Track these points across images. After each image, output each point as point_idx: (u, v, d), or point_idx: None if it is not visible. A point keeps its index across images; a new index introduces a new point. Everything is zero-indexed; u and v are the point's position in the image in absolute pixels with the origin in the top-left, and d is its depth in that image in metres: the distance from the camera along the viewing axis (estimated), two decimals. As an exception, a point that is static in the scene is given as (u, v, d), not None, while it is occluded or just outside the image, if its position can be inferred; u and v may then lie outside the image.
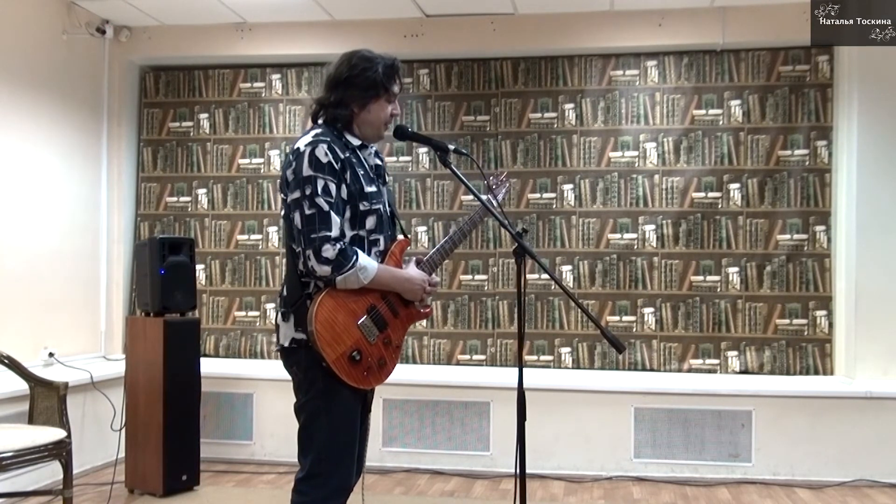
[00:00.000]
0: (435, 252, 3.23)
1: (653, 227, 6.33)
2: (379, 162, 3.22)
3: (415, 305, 3.17)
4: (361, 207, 3.00)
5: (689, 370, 6.26)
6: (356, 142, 3.11)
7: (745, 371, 6.22)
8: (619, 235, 6.36)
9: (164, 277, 5.48)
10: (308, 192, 2.91)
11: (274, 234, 6.76)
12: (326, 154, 2.94)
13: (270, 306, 6.74)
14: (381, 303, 3.05)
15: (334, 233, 2.90)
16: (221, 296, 6.85)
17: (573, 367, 6.38)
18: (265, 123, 6.81)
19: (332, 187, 2.93)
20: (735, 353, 6.23)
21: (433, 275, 3.22)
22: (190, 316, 5.64)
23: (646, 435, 5.90)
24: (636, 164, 6.37)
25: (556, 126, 6.47)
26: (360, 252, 2.96)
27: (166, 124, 6.94)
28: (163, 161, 6.94)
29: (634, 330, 6.33)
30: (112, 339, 6.65)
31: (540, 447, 5.93)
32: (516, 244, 2.99)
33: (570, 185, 6.42)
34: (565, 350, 6.40)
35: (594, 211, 6.40)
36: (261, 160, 6.82)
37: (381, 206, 3.08)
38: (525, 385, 3.01)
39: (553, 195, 6.45)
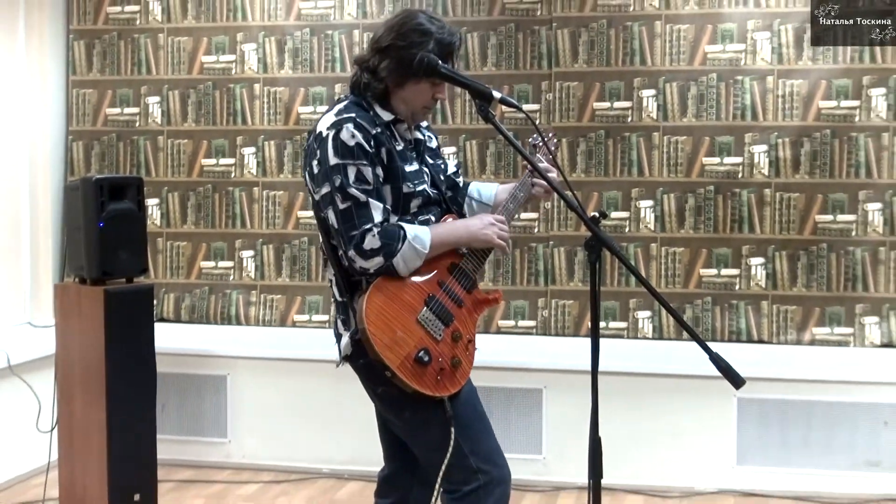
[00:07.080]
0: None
1: (764, 147, 5.07)
2: (419, 136, 3.10)
3: (479, 290, 3.04)
4: (405, 189, 2.94)
5: (812, 342, 5.07)
6: (387, 116, 2.98)
7: (888, 344, 5.00)
8: (717, 160, 5.11)
9: (104, 232, 4.48)
10: (338, 182, 2.84)
11: (251, 158, 5.53)
12: (353, 135, 2.85)
13: (247, 254, 5.59)
14: (439, 292, 2.92)
15: (378, 218, 2.84)
16: (182, 240, 5.63)
17: (654, 338, 5.17)
18: (236, 6, 5.46)
19: (368, 171, 2.86)
20: (875, 319, 5.01)
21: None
22: (140, 282, 4.63)
23: (752, 435, 4.88)
24: (741, 63, 5.08)
25: (632, 9, 5.13)
26: (404, 224, 2.89)
27: (104, 9, 5.65)
28: (100, 59, 5.68)
29: (738, 287, 5.10)
30: (40, 305, 5.52)
31: (609, 451, 4.59)
32: (590, 234, 2.62)
33: (652, 91, 5.13)
34: (643, 315, 5.16)
35: (683, 126, 5.12)
36: (231, 57, 5.52)
37: (425, 188, 3.02)
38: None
39: (628, 104, 5.15)
